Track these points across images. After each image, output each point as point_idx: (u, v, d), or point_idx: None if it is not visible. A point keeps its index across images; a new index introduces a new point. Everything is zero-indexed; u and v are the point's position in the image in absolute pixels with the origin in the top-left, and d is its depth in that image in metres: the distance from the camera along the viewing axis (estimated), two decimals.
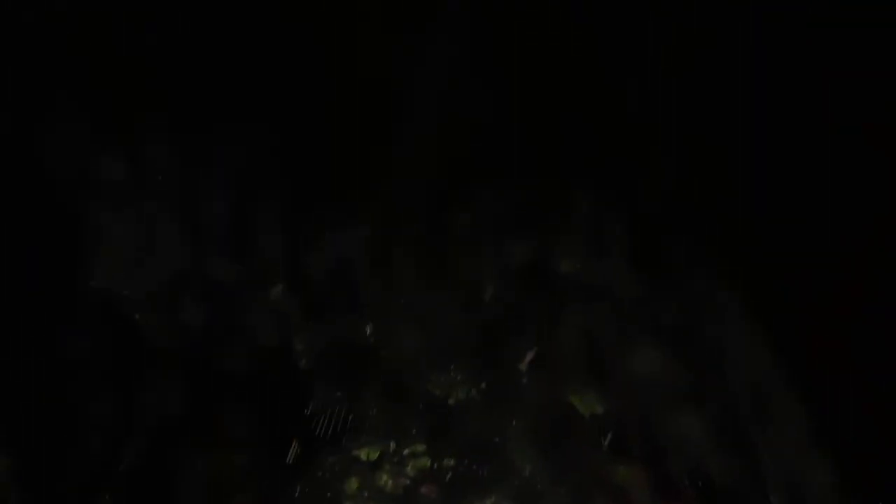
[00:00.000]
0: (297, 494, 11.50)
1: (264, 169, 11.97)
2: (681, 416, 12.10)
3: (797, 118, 17.86)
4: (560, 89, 14.58)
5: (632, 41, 17.35)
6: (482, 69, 14.40)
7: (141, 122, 11.64)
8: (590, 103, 14.42)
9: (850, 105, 17.66)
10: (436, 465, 11.60)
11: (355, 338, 11.88)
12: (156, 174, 11.37)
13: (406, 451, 11.61)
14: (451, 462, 11.56)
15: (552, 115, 14.04)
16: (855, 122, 17.79)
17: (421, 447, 11.61)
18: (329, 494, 11.60)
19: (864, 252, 18.02)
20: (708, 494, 12.31)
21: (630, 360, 12.02)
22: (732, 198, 18.41)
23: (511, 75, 14.65)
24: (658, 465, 11.90)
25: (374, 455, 11.65)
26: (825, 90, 17.70)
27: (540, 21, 15.52)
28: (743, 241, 16.97)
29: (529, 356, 11.95)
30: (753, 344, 14.20)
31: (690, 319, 12.95)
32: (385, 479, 11.58)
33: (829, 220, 18.49)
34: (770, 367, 14.31)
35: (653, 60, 17.67)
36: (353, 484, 11.51)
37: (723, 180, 17.71)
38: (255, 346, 11.45)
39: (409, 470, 11.60)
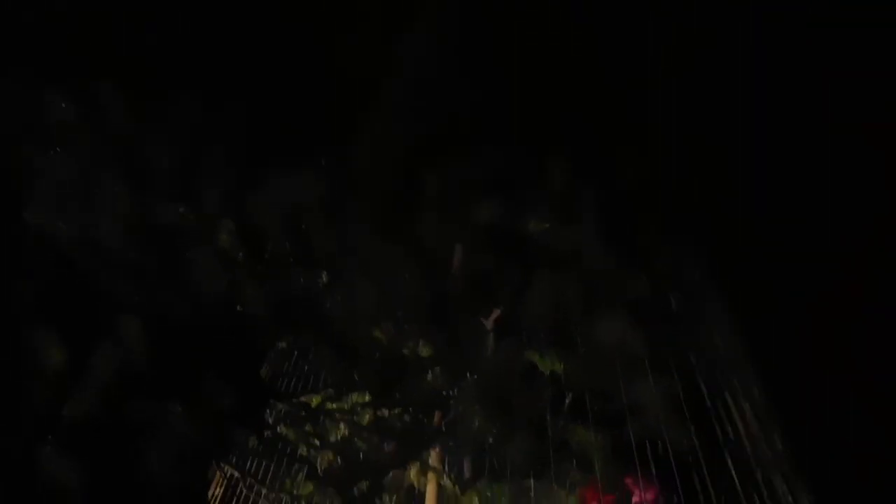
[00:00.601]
0: (248, 442, 11.46)
1: (216, 109, 11.87)
2: (641, 384, 11.97)
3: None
4: (549, 68, 14.56)
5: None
6: (473, 50, 14.41)
7: (90, 63, 11.59)
8: (577, 83, 14.40)
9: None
10: (386, 415, 11.52)
11: (307, 288, 11.76)
12: (102, 115, 11.31)
13: (357, 401, 11.54)
14: (402, 413, 11.47)
15: (537, 89, 13.98)
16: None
17: (371, 398, 11.53)
18: (280, 442, 11.56)
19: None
20: (665, 460, 12.24)
21: (594, 326, 11.89)
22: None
23: (502, 53, 14.64)
24: (616, 429, 11.77)
25: (326, 404, 11.58)
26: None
27: (537, 10, 15.58)
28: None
29: (493, 315, 11.87)
30: (720, 321, 14.12)
31: (658, 292, 12.86)
32: (336, 428, 11.53)
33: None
34: (734, 344, 14.22)
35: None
36: (304, 432, 11.47)
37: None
38: (202, 292, 11.34)
39: (359, 419, 11.54)
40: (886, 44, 17.11)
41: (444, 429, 11.30)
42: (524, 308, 11.73)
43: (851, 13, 17.03)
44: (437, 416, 11.48)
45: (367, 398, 11.19)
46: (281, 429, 11.25)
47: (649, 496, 12.89)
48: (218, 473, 11.52)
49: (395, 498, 11.34)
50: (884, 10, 16.73)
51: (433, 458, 11.34)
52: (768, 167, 18.52)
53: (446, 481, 11.21)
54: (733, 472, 13.47)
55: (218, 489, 11.79)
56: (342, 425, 11.29)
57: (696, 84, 17.77)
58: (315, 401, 11.28)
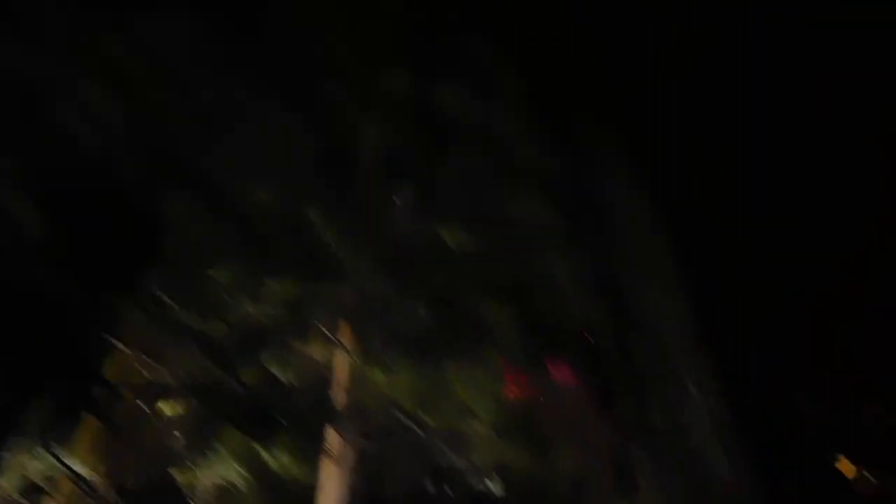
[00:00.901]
0: (131, 312, 10.67)
1: None
2: (554, 260, 11.42)
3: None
4: None
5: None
6: None
7: None
8: None
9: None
10: (288, 285, 10.67)
11: (188, 144, 10.55)
12: None
13: (247, 267, 10.63)
14: (295, 279, 10.58)
15: None
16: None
17: (260, 262, 10.59)
18: (166, 312, 10.59)
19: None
20: (572, 333, 11.93)
21: (508, 201, 11.24)
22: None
23: None
24: (527, 303, 11.24)
25: (214, 270, 10.67)
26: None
27: None
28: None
29: (404, 188, 11.06)
30: (636, 204, 13.79)
31: (576, 172, 12.35)
32: (225, 296, 10.71)
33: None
34: (648, 228, 13.95)
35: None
36: (189, 300, 10.61)
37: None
38: (75, 153, 10.22)
39: (248, 286, 10.63)
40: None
41: (345, 301, 10.52)
42: (435, 182, 11.03)
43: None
44: (339, 288, 10.63)
45: (256, 263, 10.36)
46: (164, 297, 10.37)
47: (567, 377, 12.79)
48: (114, 351, 10.81)
49: (299, 372, 10.60)
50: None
51: (343, 333, 10.60)
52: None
53: (350, 355, 10.43)
54: (641, 349, 13.47)
55: (116, 368, 11.14)
56: (233, 293, 10.52)
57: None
58: (208, 271, 10.43)
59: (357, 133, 10.67)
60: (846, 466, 17.62)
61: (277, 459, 10.19)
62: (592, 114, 13.15)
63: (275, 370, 10.33)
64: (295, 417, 10.21)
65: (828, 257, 17.87)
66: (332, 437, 10.42)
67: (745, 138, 18.39)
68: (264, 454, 10.16)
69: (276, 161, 10.21)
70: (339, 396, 10.36)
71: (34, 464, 10.68)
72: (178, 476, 10.53)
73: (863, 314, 17.60)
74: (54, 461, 10.64)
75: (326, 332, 10.27)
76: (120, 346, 10.49)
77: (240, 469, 10.19)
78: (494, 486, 11.93)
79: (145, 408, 10.68)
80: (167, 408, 10.71)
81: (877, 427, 17.57)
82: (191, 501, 10.54)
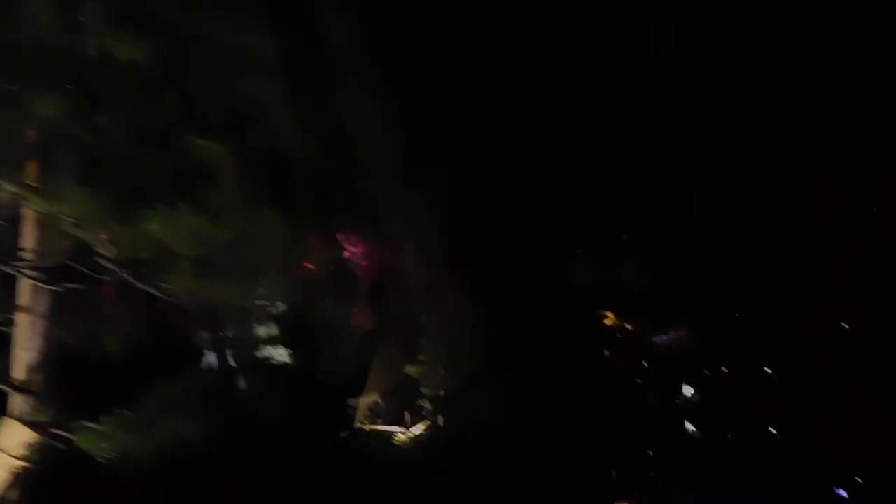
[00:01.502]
0: None
1: None
2: (261, 87, 10.43)
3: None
4: None
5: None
6: None
7: None
8: None
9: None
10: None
11: None
12: None
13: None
14: None
15: None
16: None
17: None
18: None
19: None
20: (285, 167, 11.19)
21: (210, 22, 10.04)
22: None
23: None
24: (238, 137, 10.18)
25: None
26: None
27: None
28: None
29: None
30: (348, 27, 13.00)
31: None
32: None
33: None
34: (359, 45, 13.21)
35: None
36: None
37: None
38: None
39: None
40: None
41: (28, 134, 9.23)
42: None
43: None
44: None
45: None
46: None
47: (358, 249, 12.76)
48: None
49: None
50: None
51: (28, 169, 9.38)
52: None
53: (35, 194, 9.24)
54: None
55: None
56: None
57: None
58: None
59: None
60: (609, 318, 21.07)
61: None
62: None
63: None
64: None
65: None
66: (24, 285, 9.47)
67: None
68: None
69: None
70: (27, 240, 9.34)
71: None
72: None
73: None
74: None
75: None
76: None
77: None
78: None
79: None
80: None
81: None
82: None
